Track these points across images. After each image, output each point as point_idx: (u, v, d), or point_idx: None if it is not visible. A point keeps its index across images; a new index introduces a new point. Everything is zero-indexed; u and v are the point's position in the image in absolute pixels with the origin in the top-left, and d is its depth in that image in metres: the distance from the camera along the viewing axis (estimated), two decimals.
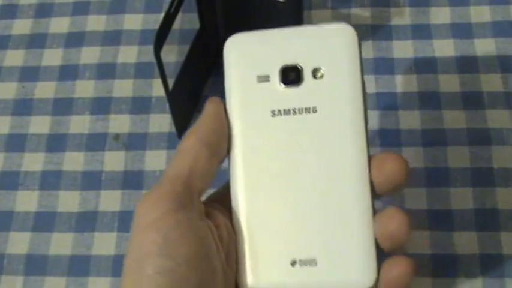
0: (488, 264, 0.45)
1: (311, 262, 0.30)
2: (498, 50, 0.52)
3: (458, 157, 0.48)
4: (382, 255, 0.30)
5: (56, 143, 0.51)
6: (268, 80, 0.32)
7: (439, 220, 0.46)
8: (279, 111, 0.31)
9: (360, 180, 0.30)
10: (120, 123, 0.52)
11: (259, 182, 0.31)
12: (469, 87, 0.51)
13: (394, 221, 0.29)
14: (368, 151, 0.31)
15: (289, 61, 0.32)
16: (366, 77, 0.51)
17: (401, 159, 0.30)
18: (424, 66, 0.52)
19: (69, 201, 0.49)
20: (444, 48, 0.52)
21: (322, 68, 0.31)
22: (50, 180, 0.50)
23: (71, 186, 0.49)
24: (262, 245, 0.31)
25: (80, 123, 0.52)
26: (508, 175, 0.47)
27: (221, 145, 0.32)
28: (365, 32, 0.54)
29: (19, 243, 0.48)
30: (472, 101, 0.50)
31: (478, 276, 0.44)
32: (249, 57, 0.32)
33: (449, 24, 0.53)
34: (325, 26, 0.32)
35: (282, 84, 0.32)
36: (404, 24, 0.54)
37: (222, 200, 0.32)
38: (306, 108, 0.31)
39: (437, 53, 0.52)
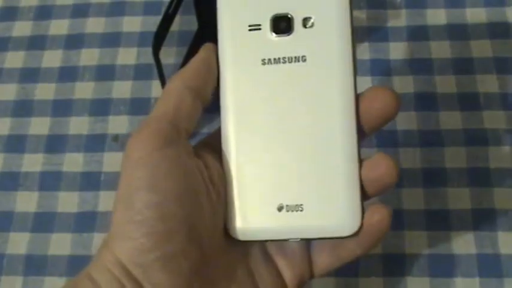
0: (486, 263, 0.45)
1: (297, 207, 0.31)
2: (494, 51, 0.53)
3: (455, 157, 0.49)
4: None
5: (55, 144, 0.52)
6: (259, 29, 0.32)
7: (437, 220, 0.47)
8: (269, 59, 0.32)
9: (347, 127, 0.31)
10: (119, 124, 0.52)
11: (249, 127, 0.32)
12: (465, 88, 0.51)
13: (383, 165, 0.30)
14: (356, 99, 0.31)
15: (280, 10, 0.32)
16: (363, 78, 0.52)
17: (391, 92, 0.31)
18: (421, 67, 0.52)
19: (68, 201, 0.49)
20: (440, 49, 0.53)
21: (313, 18, 0.32)
22: (50, 181, 0.50)
23: (71, 187, 0.50)
24: (250, 189, 0.31)
25: (79, 125, 0.52)
26: (504, 175, 0.48)
27: (206, 89, 0.32)
28: (362, 34, 0.54)
29: (19, 243, 0.48)
30: (468, 101, 0.51)
31: (475, 275, 0.45)
32: (241, 6, 0.33)
33: (445, 26, 0.54)
34: None
35: (273, 33, 0.32)
36: (401, 26, 0.54)
37: (214, 144, 0.33)
38: (295, 57, 0.31)
39: (434, 55, 0.53)
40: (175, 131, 0.30)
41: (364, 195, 0.31)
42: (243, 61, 0.32)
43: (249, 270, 0.33)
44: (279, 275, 0.33)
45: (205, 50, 0.33)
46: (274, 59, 0.32)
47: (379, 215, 0.30)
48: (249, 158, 0.32)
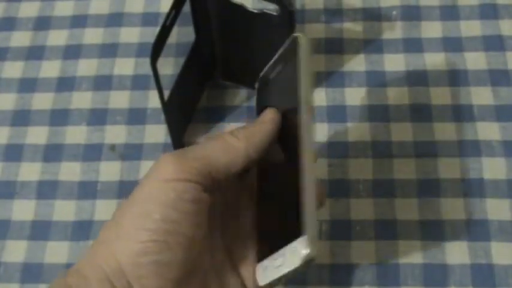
0: (479, 273, 0.45)
1: None
2: (488, 63, 0.53)
3: (449, 168, 0.49)
4: None
5: (52, 153, 0.52)
6: None
7: (431, 230, 0.47)
8: None
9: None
10: (116, 133, 0.52)
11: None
12: (459, 99, 0.52)
13: None
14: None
15: None
16: (358, 89, 0.52)
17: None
18: (416, 79, 0.53)
19: (65, 210, 0.49)
20: (435, 61, 0.53)
21: None
22: (47, 190, 0.50)
23: (67, 196, 0.50)
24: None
25: (76, 134, 0.52)
26: (497, 186, 0.48)
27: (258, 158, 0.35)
28: (357, 46, 0.55)
29: (15, 251, 0.48)
30: (462, 113, 0.51)
31: (469, 285, 0.45)
32: None
33: (440, 38, 0.54)
34: None
35: None
36: (396, 38, 0.55)
37: None
38: None
39: (428, 67, 0.53)
40: (212, 181, 0.33)
41: None
42: None
43: (221, 281, 0.36)
44: (243, 284, 0.36)
45: (272, 122, 0.35)
46: None
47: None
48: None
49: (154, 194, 0.32)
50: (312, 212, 0.31)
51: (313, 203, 0.31)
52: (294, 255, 0.30)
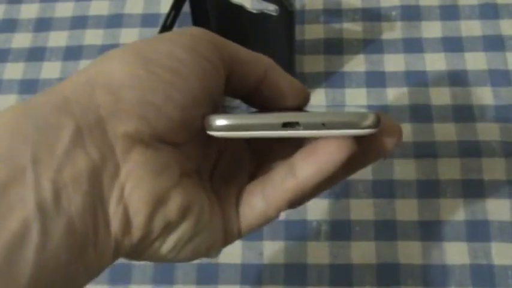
0: (479, 274, 0.45)
1: None
2: (489, 63, 0.53)
3: (449, 169, 0.49)
4: None
5: None
6: None
7: (430, 231, 0.47)
8: None
9: None
10: None
11: None
12: (459, 100, 0.52)
13: None
14: None
15: None
16: (358, 89, 0.52)
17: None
18: (416, 79, 0.53)
19: None
20: (435, 61, 0.53)
21: None
22: None
23: None
24: None
25: None
26: (498, 187, 0.48)
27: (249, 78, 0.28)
28: (357, 46, 0.55)
29: None
30: (462, 113, 0.51)
31: (469, 286, 0.45)
32: None
33: (440, 38, 0.54)
34: None
35: None
36: (396, 38, 0.55)
37: None
38: None
39: (428, 67, 0.53)
40: (229, 64, 0.27)
41: None
42: None
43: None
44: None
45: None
46: None
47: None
48: None
49: (164, 36, 0.25)
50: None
51: None
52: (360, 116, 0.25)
